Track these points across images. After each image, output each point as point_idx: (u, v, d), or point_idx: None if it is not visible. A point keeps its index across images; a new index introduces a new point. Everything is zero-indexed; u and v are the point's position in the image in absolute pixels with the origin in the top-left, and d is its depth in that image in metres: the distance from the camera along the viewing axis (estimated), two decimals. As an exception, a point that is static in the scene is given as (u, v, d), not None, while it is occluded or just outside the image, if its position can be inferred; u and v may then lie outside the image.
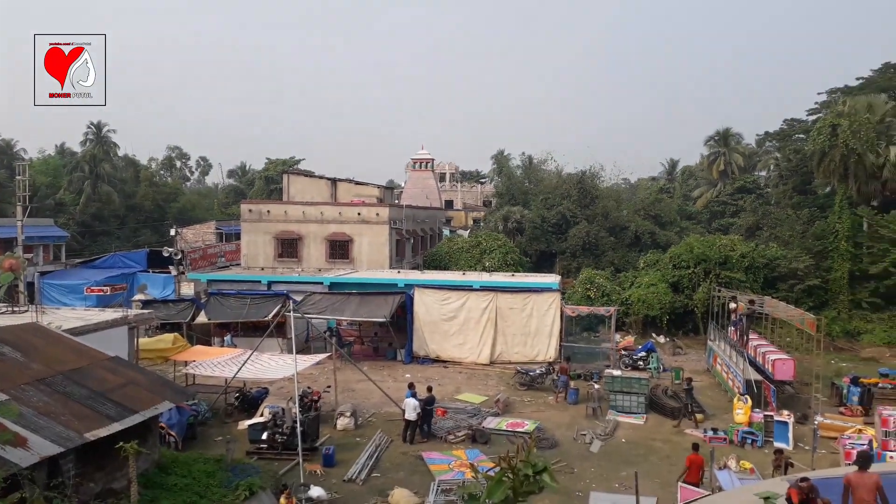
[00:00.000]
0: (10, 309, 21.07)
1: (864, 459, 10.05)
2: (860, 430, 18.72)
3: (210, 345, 28.25)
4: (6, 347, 14.13)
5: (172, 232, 39.97)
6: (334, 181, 47.50)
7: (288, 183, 47.44)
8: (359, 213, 39.34)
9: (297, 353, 19.62)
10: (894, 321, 34.40)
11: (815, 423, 18.98)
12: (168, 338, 24.92)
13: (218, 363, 21.35)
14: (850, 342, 33.62)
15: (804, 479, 10.07)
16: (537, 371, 25.51)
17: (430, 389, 20.74)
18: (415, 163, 71.74)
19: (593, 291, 36.49)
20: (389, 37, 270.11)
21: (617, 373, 23.59)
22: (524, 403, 23.47)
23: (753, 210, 50.87)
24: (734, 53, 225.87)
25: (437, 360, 29.28)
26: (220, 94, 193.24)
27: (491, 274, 37.19)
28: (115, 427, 12.57)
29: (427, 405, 19.65)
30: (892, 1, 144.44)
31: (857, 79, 49.29)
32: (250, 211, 40.12)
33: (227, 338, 28.95)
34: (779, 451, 16.66)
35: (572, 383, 24.27)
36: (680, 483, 14.63)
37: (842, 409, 22.37)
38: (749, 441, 19.33)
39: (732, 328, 25.97)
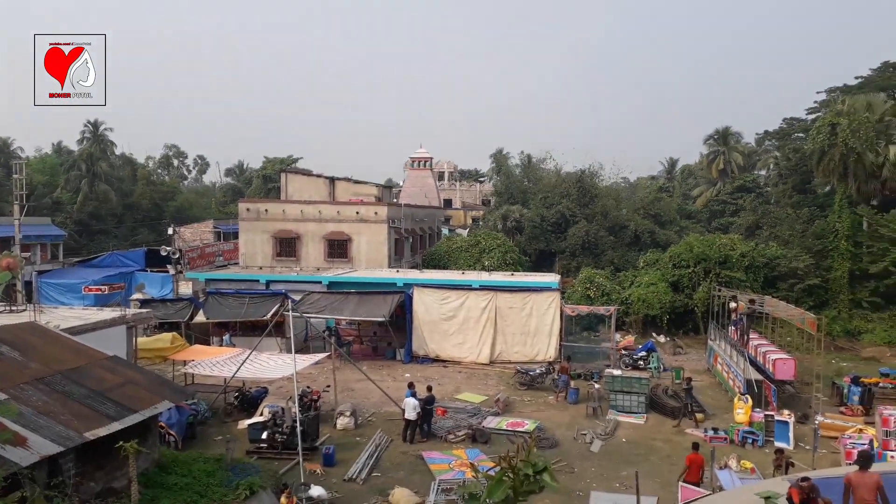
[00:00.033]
0: (7, 308, 21.06)
1: (865, 459, 10.09)
2: (861, 430, 18.78)
3: (209, 344, 28.25)
4: (4, 347, 14.13)
5: (170, 231, 39.99)
6: (332, 180, 47.48)
7: (286, 182, 47.43)
8: (357, 212, 39.34)
9: (296, 352, 19.64)
10: (895, 320, 34.47)
11: (816, 422, 19.04)
12: (166, 337, 24.90)
13: (217, 363, 21.37)
14: (850, 342, 33.69)
15: (805, 479, 10.11)
16: (537, 371, 25.55)
17: (429, 389, 20.78)
18: (413, 161, 71.73)
19: (593, 291, 36.53)
20: (387, 35, 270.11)
21: (617, 372, 23.65)
22: (524, 403, 23.51)
23: (753, 209, 50.96)
24: (733, 51, 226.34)
25: (436, 360, 29.31)
26: (218, 91, 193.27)
27: (490, 273, 37.21)
28: (115, 426, 12.58)
29: (427, 405, 19.68)
30: (891, 0, 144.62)
31: (856, 78, 49.39)
32: (248, 210, 40.11)
33: (226, 337, 28.95)
34: (779, 451, 16.72)
35: (572, 383, 24.31)
36: (680, 482, 14.68)
37: (842, 408, 22.43)
38: (750, 441, 19.38)
39: (733, 328, 26.01)
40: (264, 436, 18.15)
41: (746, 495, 10.57)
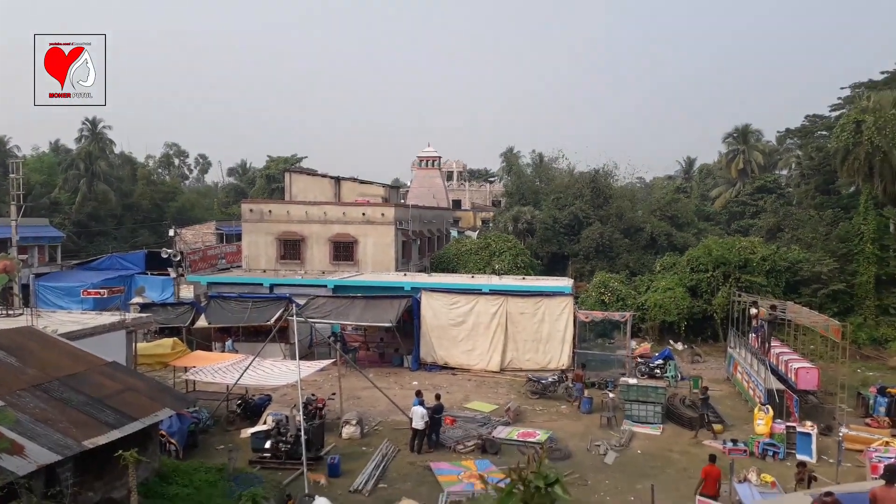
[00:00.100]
0: (4, 312, 21.19)
1: (892, 473, 10.03)
2: (887, 443, 18.59)
3: (210, 350, 28.38)
4: (1, 352, 14.24)
5: (171, 232, 40.19)
6: (338, 180, 47.63)
7: (290, 182, 47.60)
8: (363, 214, 39.45)
9: (301, 358, 19.71)
10: (923, 328, 34.21)
11: (840, 434, 18.92)
12: (167, 342, 25.10)
13: (219, 369, 21.44)
14: (876, 350, 33.44)
15: (828, 494, 10.06)
16: (549, 379, 25.52)
17: (438, 397, 20.80)
18: (421, 161, 71.81)
19: (608, 296, 36.45)
20: (393, 32, 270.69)
21: (633, 381, 23.56)
22: (536, 412, 23.48)
23: (774, 211, 50.71)
24: (754, 45, 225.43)
25: (445, 367, 29.31)
26: (220, 89, 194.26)
27: (501, 277, 37.22)
28: (115, 434, 12.65)
29: (435, 413, 19.69)
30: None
31: (882, 73, 48.98)
32: (251, 211, 40.28)
33: (228, 343, 29.08)
34: (801, 464, 16.63)
35: (586, 392, 24.28)
36: (698, 496, 14.63)
37: (868, 420, 22.25)
38: (770, 453, 19.26)
39: (753, 335, 25.88)
40: (268, 445, 18.21)
41: (767, 511, 10.52)
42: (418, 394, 20.72)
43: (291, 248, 39.70)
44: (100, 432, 12.51)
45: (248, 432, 19.52)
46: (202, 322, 29.29)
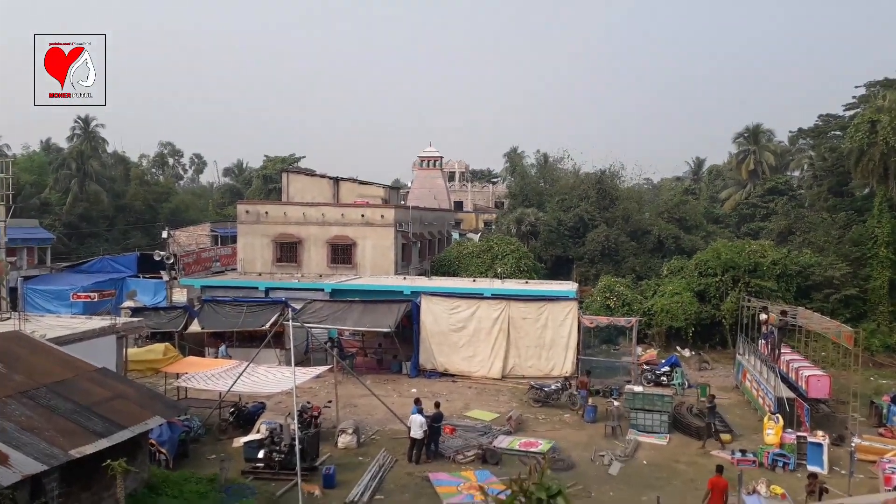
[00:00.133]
0: (-9, 316, 21.24)
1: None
2: (901, 453, 18.58)
3: (203, 356, 28.36)
4: (-13, 358, 14.25)
5: (164, 234, 40.27)
6: (336, 180, 47.67)
7: (287, 182, 47.64)
8: (362, 215, 39.46)
9: (296, 365, 19.66)
10: (940, 335, 34.14)
11: (853, 445, 18.85)
12: (159, 348, 25.09)
13: (212, 376, 21.42)
14: (890, 357, 33.36)
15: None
16: (553, 386, 25.47)
17: (437, 405, 20.75)
18: (422, 161, 71.89)
19: (613, 301, 36.41)
20: (396, 31, 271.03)
21: (638, 389, 23.49)
22: (538, 421, 23.43)
23: (786, 213, 50.67)
24: (765, 43, 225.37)
25: (445, 374, 29.27)
26: (216, 88, 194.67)
27: (503, 281, 37.20)
28: (103, 443, 12.65)
29: (434, 422, 19.64)
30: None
31: (898, 72, 49.08)
32: (247, 212, 40.30)
33: (222, 348, 29.07)
34: (813, 476, 16.56)
35: (590, 400, 24.24)
36: (705, 509, 14.58)
37: (881, 430, 22.18)
38: (780, 464, 19.20)
39: (763, 341, 25.83)
40: (261, 455, 18.16)
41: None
42: (417, 402, 20.66)
43: (288, 251, 39.73)
44: (87, 441, 12.52)
45: (240, 441, 19.49)
46: (195, 327, 29.28)
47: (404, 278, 36.90)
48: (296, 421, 17.58)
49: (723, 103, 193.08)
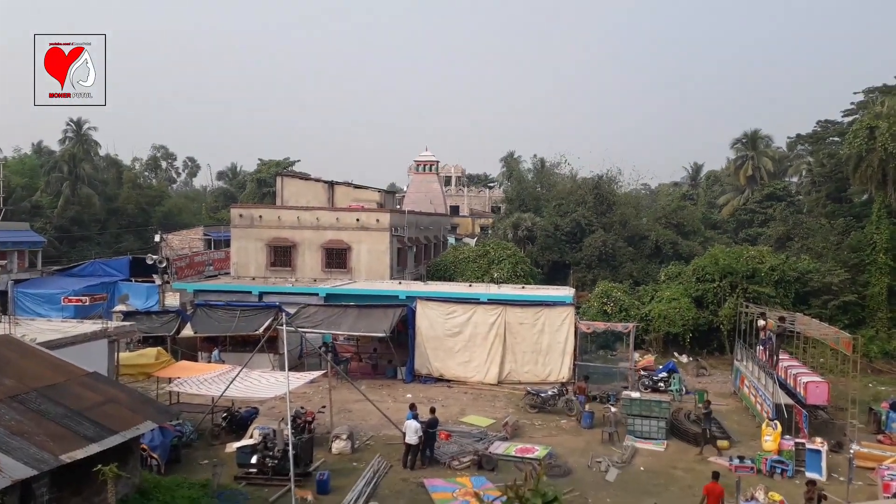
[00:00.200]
0: (-19, 320, 21.15)
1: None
2: (900, 460, 18.62)
3: (196, 360, 28.30)
4: (-23, 362, 14.20)
5: (157, 238, 40.18)
6: (331, 184, 47.67)
7: (282, 186, 47.63)
8: (357, 219, 39.45)
9: (290, 369, 19.64)
10: (938, 341, 34.23)
11: (851, 451, 18.89)
12: (151, 352, 24.98)
13: (204, 380, 21.37)
14: (889, 363, 33.44)
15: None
16: (549, 392, 25.47)
17: (432, 411, 20.73)
18: (418, 165, 71.96)
19: (610, 306, 36.47)
20: (391, 34, 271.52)
21: (635, 395, 23.53)
22: (535, 427, 23.42)
23: (784, 219, 50.86)
24: (763, 48, 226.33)
25: (440, 379, 29.24)
26: (210, 91, 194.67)
27: (499, 286, 37.21)
28: (93, 448, 12.61)
29: (429, 428, 19.62)
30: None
31: (897, 77, 49.36)
32: (241, 216, 40.26)
33: (215, 353, 29.00)
34: (811, 483, 16.57)
35: (587, 406, 24.25)
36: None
37: (880, 436, 22.26)
38: (779, 471, 19.22)
39: (761, 347, 25.86)
40: (254, 460, 18.12)
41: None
42: (412, 407, 20.67)
43: (282, 255, 39.68)
44: (78, 446, 12.47)
45: (233, 447, 19.39)
46: (188, 331, 29.21)
47: (399, 283, 36.88)
48: (289, 426, 17.56)
49: (721, 109, 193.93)
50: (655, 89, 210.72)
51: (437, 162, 73.43)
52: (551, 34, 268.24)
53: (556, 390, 25.61)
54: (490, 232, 60.58)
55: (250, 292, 34.07)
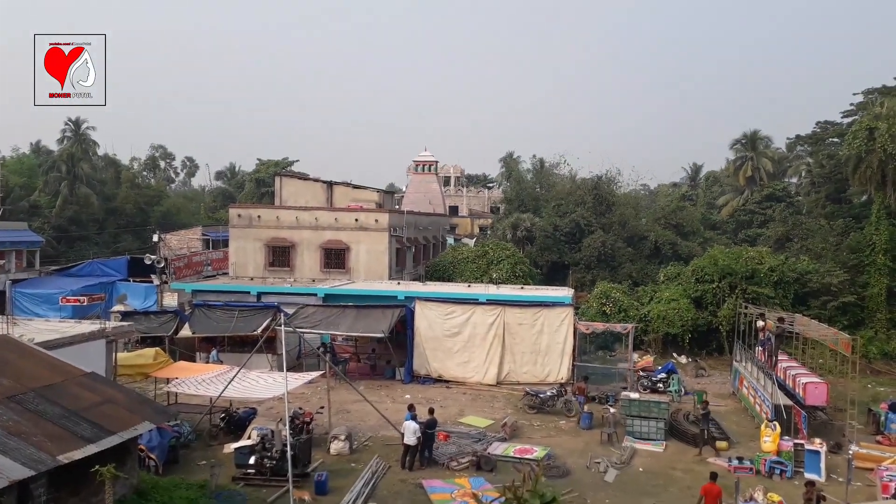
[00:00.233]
0: (-21, 320, 21.13)
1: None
2: (899, 461, 18.64)
3: (194, 360, 28.28)
4: (-26, 362, 14.19)
5: (155, 238, 40.16)
6: (330, 184, 47.66)
7: (280, 186, 47.61)
8: (356, 220, 39.44)
9: (288, 370, 19.63)
10: (937, 342, 34.27)
11: (850, 452, 18.91)
12: (149, 353, 24.97)
13: (202, 381, 21.37)
14: (888, 364, 33.48)
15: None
16: (548, 393, 25.47)
17: (431, 412, 20.72)
18: (417, 165, 71.93)
19: (609, 307, 36.48)
20: (392, 34, 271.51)
21: (634, 395, 23.55)
22: (533, 428, 23.43)
23: (783, 220, 50.88)
24: (763, 49, 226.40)
25: (439, 380, 29.24)
26: (209, 91, 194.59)
27: (498, 286, 37.21)
28: (91, 449, 12.60)
29: (428, 428, 19.62)
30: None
31: (896, 78, 49.32)
32: (239, 216, 40.25)
33: (213, 353, 28.98)
34: (810, 483, 16.58)
35: (586, 406, 24.25)
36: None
37: (879, 437, 22.28)
38: (777, 471, 19.24)
39: (760, 348, 25.89)
40: (252, 461, 18.11)
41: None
42: (411, 408, 20.66)
43: (280, 255, 39.68)
44: (76, 446, 12.47)
45: (231, 447, 19.40)
46: (186, 331, 29.19)
47: (398, 283, 36.88)
48: (287, 427, 17.56)
49: (721, 109, 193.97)
50: (655, 89, 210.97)
51: (437, 162, 73.39)
52: (551, 34, 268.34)
53: (554, 391, 25.62)
54: (489, 232, 60.59)
55: (249, 292, 34.07)
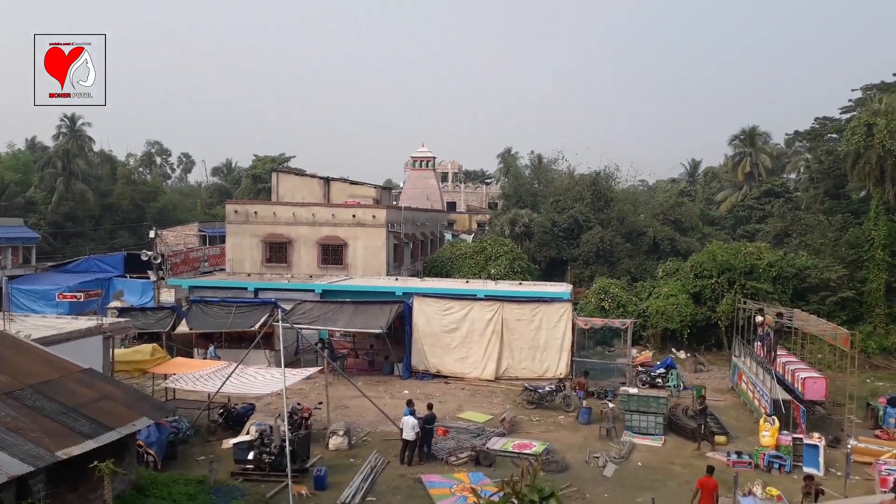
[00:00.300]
0: (-25, 316, 21.10)
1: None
2: (897, 455, 18.71)
3: (191, 356, 28.30)
4: (-29, 358, 14.19)
5: (152, 234, 40.10)
6: (327, 180, 47.64)
7: (277, 182, 47.60)
8: (353, 216, 39.44)
9: (286, 366, 19.64)
10: (936, 337, 34.36)
11: (849, 446, 18.95)
12: (146, 349, 25.01)
13: (200, 377, 21.38)
14: (886, 359, 33.58)
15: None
16: (546, 388, 25.54)
17: (430, 407, 20.78)
18: (414, 161, 71.81)
19: (608, 302, 36.50)
20: (388, 28, 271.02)
21: (633, 391, 23.60)
22: (532, 423, 23.49)
23: (782, 215, 50.93)
24: (762, 45, 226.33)
25: (437, 376, 29.30)
26: (207, 87, 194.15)
27: (497, 282, 37.21)
28: (89, 445, 12.61)
29: (427, 424, 19.67)
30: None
31: (894, 74, 49.35)
32: (236, 212, 40.23)
33: (210, 349, 29.00)
34: (809, 478, 16.66)
35: (585, 402, 24.31)
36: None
37: (877, 431, 22.35)
38: (776, 466, 19.31)
39: (759, 343, 25.96)
40: (250, 456, 18.14)
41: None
42: (409, 403, 20.69)
43: (278, 251, 39.68)
44: (74, 442, 12.47)
45: (230, 443, 19.45)
46: (183, 327, 29.20)
47: (396, 279, 36.90)
48: (286, 422, 17.60)
49: (720, 108, 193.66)
50: (654, 88, 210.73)
51: (434, 158, 73.25)
52: (551, 33, 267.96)
53: (553, 386, 25.69)
54: (487, 228, 60.47)
55: (246, 288, 34.07)
